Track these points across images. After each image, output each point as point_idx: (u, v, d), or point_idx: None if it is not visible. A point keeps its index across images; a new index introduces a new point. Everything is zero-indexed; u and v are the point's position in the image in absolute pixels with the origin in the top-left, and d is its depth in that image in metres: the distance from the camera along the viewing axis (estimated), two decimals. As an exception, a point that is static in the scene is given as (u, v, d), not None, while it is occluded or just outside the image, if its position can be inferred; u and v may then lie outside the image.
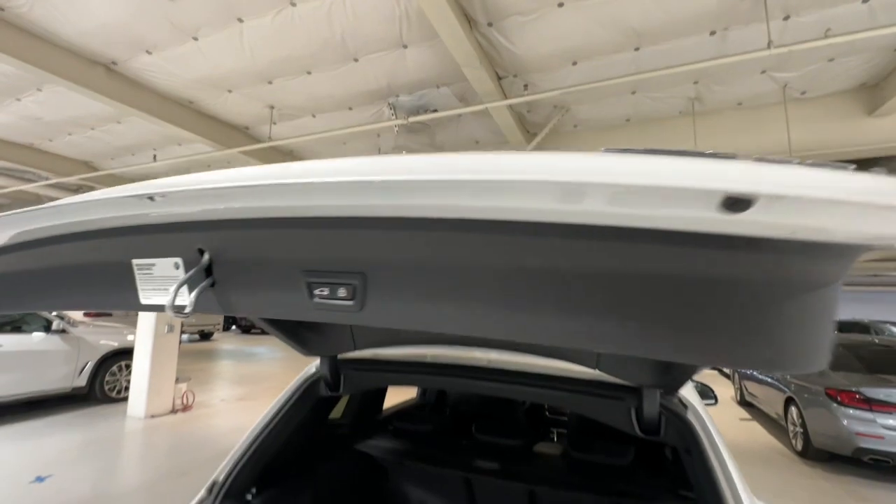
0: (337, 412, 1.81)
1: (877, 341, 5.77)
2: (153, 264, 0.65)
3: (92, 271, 0.68)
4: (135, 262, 0.64)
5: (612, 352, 0.50)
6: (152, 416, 6.07)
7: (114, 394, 6.74)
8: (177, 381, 6.54)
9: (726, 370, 10.81)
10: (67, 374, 6.20)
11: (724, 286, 0.42)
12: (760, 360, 0.45)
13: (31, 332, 5.91)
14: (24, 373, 5.71)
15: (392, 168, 0.43)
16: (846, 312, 19.24)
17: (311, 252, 0.54)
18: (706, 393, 3.24)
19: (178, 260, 0.61)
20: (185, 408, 6.47)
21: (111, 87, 3.45)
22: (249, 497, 1.25)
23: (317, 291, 0.54)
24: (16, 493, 3.68)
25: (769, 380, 6.29)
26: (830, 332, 0.46)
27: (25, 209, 0.65)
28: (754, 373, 6.98)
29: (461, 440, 1.78)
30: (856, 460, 4.66)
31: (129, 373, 6.80)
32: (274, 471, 1.32)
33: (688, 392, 1.17)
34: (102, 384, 6.62)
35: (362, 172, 0.44)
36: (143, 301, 0.67)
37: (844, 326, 11.44)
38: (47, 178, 5.86)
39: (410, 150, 3.96)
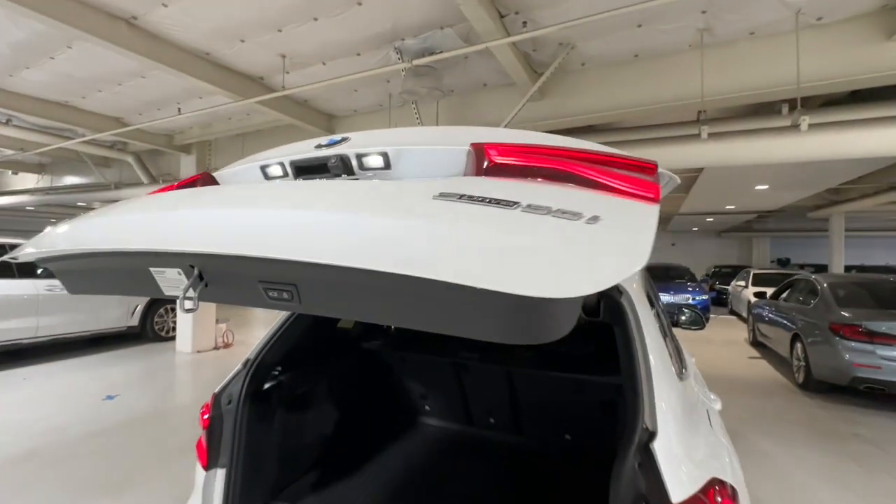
0: (346, 323, 2.13)
1: (892, 279, 5.73)
2: (163, 271, 0.91)
3: (133, 272, 0.96)
4: (151, 269, 0.91)
5: (439, 332, 0.73)
6: (198, 352, 6.79)
7: (163, 333, 7.50)
8: (217, 321, 7.20)
9: (743, 314, 10.88)
10: (121, 315, 6.92)
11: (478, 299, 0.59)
12: (518, 334, 0.65)
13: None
14: (85, 313, 6.42)
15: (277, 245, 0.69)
16: (878, 258, 18.57)
17: (260, 273, 0.78)
18: (696, 320, 3.43)
19: (179, 269, 0.87)
20: (226, 345, 7.17)
21: (133, 41, 3.64)
22: (276, 373, 1.58)
23: (270, 293, 0.81)
24: (93, 407, 4.34)
25: (779, 319, 6.39)
26: (562, 314, 0.65)
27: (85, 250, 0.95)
28: (767, 314, 7.06)
29: (449, 338, 2.09)
30: (852, 391, 4.85)
31: (175, 315, 7.51)
32: (294, 356, 1.64)
33: (637, 287, 1.38)
34: (153, 324, 7.37)
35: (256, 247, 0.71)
36: (165, 292, 0.95)
37: (873, 269, 11.20)
38: (83, 135, 6.25)
39: (417, 95, 4.03)
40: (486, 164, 0.91)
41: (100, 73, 4.61)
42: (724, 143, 3.44)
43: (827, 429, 4.06)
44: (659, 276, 12.43)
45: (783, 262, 18.15)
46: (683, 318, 3.46)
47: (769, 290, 7.65)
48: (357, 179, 1.01)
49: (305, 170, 1.10)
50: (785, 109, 3.67)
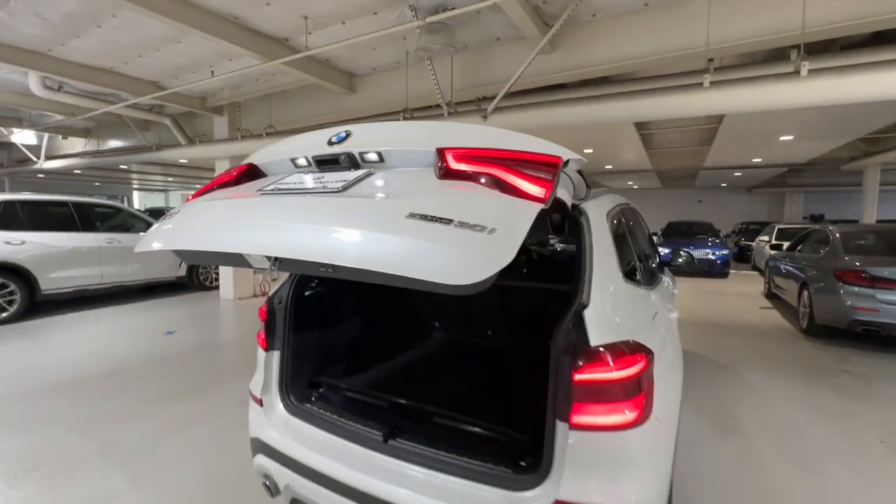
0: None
1: (906, 227, 5.73)
2: (252, 256, 1.32)
3: (232, 256, 1.40)
4: (245, 256, 1.33)
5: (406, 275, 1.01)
6: (239, 299, 7.52)
7: (207, 283, 8.27)
8: (255, 272, 7.88)
9: (760, 266, 10.88)
10: (171, 266, 7.67)
11: None
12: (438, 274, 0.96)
13: (137, 231, 7.28)
14: (141, 264, 7.17)
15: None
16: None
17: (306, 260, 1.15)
18: (689, 262, 3.69)
19: (263, 256, 1.26)
20: (264, 293, 7.88)
21: (170, 7, 3.97)
22: (313, 285, 2.02)
23: (319, 269, 1.20)
24: (156, 340, 5.05)
25: (791, 270, 6.50)
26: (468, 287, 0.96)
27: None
28: (781, 266, 7.15)
29: None
30: (851, 336, 5.06)
31: (217, 267, 8.24)
32: (328, 279, 2.07)
33: (599, 212, 1.70)
34: (198, 275, 8.13)
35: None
36: (255, 267, 1.38)
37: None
38: (125, 100, 6.73)
39: (431, 51, 4.23)
40: (443, 167, 1.25)
41: (140, 39, 4.99)
42: (726, 90, 3.55)
43: (818, 365, 4.33)
44: (681, 231, 12.49)
45: (816, 219, 17.55)
46: (680, 260, 3.74)
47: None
48: (355, 198, 1.29)
49: (324, 162, 1.47)
50: (794, 55, 3.70)
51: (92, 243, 6.62)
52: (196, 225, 1.42)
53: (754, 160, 11.76)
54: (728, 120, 7.03)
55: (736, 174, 15.16)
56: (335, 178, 1.37)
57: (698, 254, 10.95)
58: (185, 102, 7.13)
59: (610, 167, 13.54)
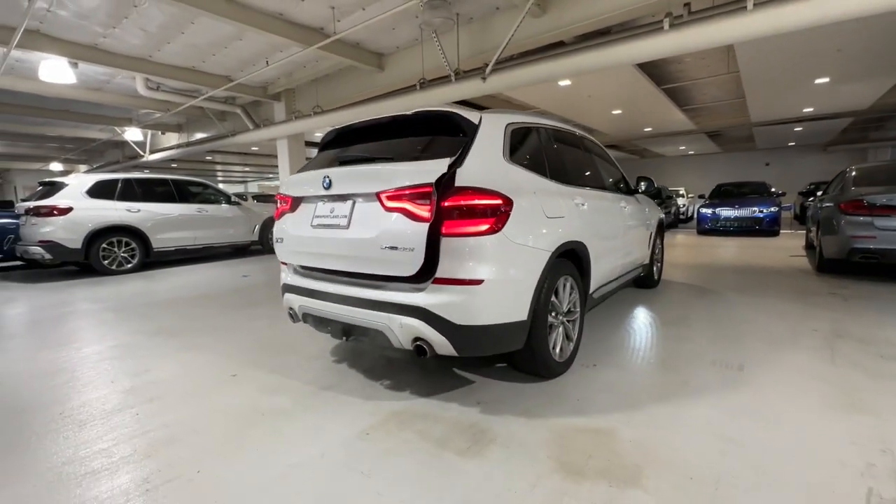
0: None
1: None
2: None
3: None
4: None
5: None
6: (300, 257, 8.91)
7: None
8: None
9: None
10: (247, 232, 9.24)
11: None
12: None
13: (219, 203, 8.88)
14: (225, 229, 8.78)
15: None
16: None
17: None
18: (648, 188, 4.15)
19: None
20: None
21: (231, 11, 5.12)
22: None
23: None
24: (234, 280, 6.45)
25: (815, 213, 6.48)
26: None
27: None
28: (814, 213, 7.05)
29: None
30: (859, 270, 5.14)
31: (282, 232, 9.69)
32: None
33: (497, 122, 2.45)
34: (268, 240, 9.67)
35: None
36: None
37: None
38: (205, 93, 8.24)
39: (433, 25, 4.97)
40: (382, 203, 2.10)
41: (212, 39, 6.29)
42: (684, 29, 3.96)
43: (809, 290, 4.55)
44: (729, 193, 12.18)
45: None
46: (643, 185, 4.18)
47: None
48: (346, 229, 2.27)
49: (328, 197, 2.36)
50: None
51: (187, 212, 8.28)
52: (303, 251, 2.49)
53: (805, 110, 11.07)
54: (744, 66, 6.99)
55: (797, 129, 14.13)
56: (342, 211, 2.28)
57: (743, 213, 10.80)
58: (250, 92, 8.52)
59: (650, 129, 13.35)
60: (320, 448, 1.85)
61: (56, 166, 20.47)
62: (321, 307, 2.40)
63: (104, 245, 7.11)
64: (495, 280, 2.00)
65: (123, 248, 7.42)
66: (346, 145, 2.64)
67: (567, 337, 2.60)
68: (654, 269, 4.77)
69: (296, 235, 2.51)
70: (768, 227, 10.55)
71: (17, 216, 7.18)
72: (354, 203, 2.24)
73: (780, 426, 1.91)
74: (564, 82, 7.65)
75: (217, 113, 10.34)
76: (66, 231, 6.61)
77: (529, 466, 1.68)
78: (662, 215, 4.94)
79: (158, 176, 8.47)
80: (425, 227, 1.97)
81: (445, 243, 1.99)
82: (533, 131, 2.71)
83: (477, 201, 1.99)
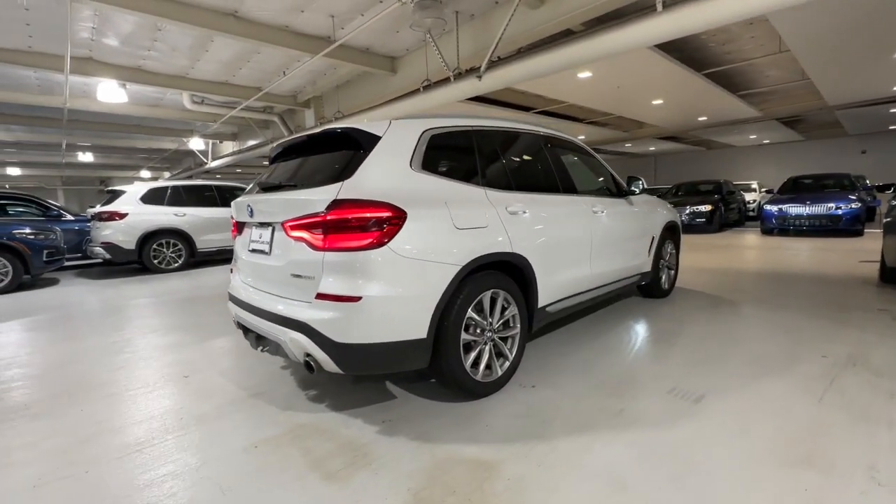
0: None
1: None
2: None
3: None
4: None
5: None
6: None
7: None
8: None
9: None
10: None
11: None
12: None
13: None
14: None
15: None
16: None
17: None
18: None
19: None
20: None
21: (240, 28, 5.41)
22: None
23: None
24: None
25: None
26: None
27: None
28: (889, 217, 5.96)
29: None
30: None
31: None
32: None
33: (406, 131, 2.33)
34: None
35: None
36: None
37: None
38: (240, 104, 8.82)
39: (424, 26, 4.88)
40: (285, 231, 2.09)
41: (234, 55, 6.71)
42: (676, 10, 3.56)
43: (855, 305, 3.83)
44: (804, 186, 10.78)
45: None
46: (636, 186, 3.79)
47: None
48: (269, 255, 2.28)
49: (256, 224, 2.39)
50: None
51: (228, 215, 8.94)
52: (245, 272, 2.55)
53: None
54: (792, 43, 6.07)
55: (892, 110, 12.09)
56: (265, 238, 2.30)
57: (817, 210, 9.47)
58: (282, 101, 8.99)
59: (704, 119, 12.13)
60: (203, 458, 1.88)
61: (145, 174, 23.18)
62: (244, 316, 2.45)
63: (155, 246, 7.87)
64: (378, 297, 1.90)
65: (171, 249, 8.16)
66: (287, 158, 2.65)
67: (499, 355, 2.43)
68: (663, 276, 4.32)
69: (241, 257, 2.59)
70: (848, 227, 9.14)
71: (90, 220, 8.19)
72: (273, 230, 2.26)
73: (694, 478, 1.62)
74: (584, 74, 7.17)
75: (259, 122, 11.05)
76: (123, 234, 7.40)
77: (382, 499, 1.58)
78: (676, 217, 4.46)
79: (203, 183, 9.21)
80: (322, 255, 1.95)
81: (328, 258, 1.93)
82: (462, 136, 2.50)
83: (358, 215, 1.91)
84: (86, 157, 16.59)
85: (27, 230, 6.11)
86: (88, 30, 5.62)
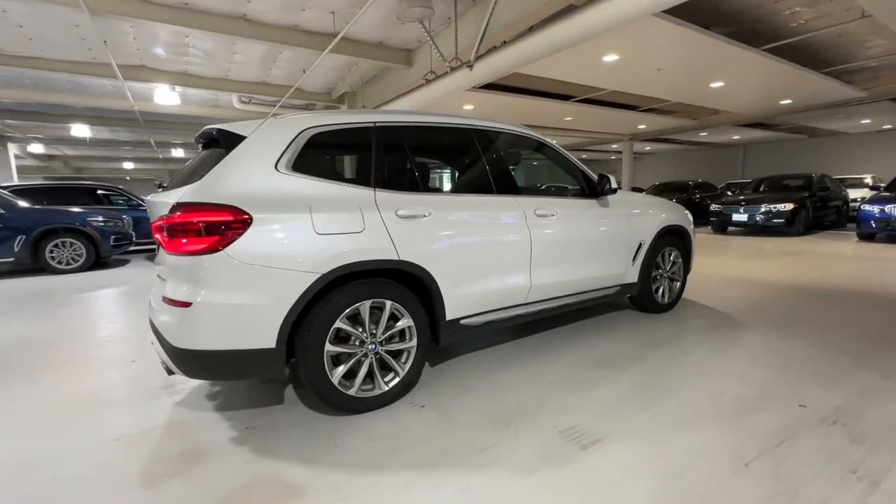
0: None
1: None
2: None
3: None
4: None
5: None
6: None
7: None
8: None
9: None
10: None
11: None
12: None
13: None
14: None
15: None
16: None
17: None
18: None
19: None
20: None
21: (253, 31, 5.66)
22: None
23: None
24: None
25: None
26: None
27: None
28: None
29: None
30: None
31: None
32: None
33: (273, 133, 2.22)
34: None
35: None
36: None
37: None
38: (278, 102, 9.32)
39: (410, 16, 4.66)
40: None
41: (258, 56, 7.06)
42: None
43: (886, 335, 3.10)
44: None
45: None
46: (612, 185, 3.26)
47: None
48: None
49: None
50: None
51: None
52: None
53: None
54: (869, 4, 4.83)
55: None
56: None
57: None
58: (318, 98, 9.34)
59: (788, 102, 10.35)
60: (72, 446, 1.97)
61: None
62: None
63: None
64: (209, 304, 1.84)
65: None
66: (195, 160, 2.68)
67: (385, 368, 2.26)
68: (661, 288, 3.76)
69: None
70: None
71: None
72: None
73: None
74: (610, 57, 6.41)
75: (307, 118, 11.61)
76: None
77: None
78: (681, 221, 3.84)
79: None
80: (167, 258, 1.98)
81: (169, 262, 1.92)
82: (357, 133, 2.31)
83: (194, 219, 1.85)
84: (178, 152, 18.78)
85: (99, 217, 6.98)
86: (130, 40, 6.25)
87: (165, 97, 8.07)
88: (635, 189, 19.71)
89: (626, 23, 3.39)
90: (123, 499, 1.60)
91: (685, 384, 2.41)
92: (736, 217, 10.03)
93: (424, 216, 2.33)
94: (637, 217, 3.47)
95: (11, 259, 6.05)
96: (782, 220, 9.40)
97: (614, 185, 3.19)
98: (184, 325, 1.85)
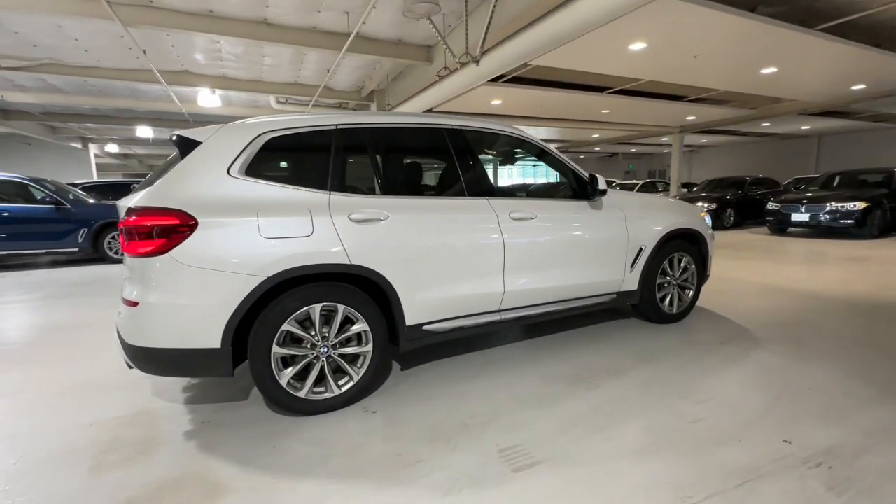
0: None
1: None
2: None
3: None
4: None
5: None
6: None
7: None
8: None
9: None
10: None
11: None
12: None
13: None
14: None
15: None
16: None
17: None
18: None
19: None
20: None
21: (275, 34, 5.85)
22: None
23: None
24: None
25: None
26: None
27: None
28: None
29: None
30: None
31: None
32: None
33: (227, 137, 2.25)
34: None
35: None
36: None
37: None
38: (309, 101, 9.61)
39: (419, 13, 4.60)
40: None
41: (287, 59, 7.32)
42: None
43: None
44: None
45: None
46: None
47: None
48: None
49: None
50: None
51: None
52: None
53: None
54: None
55: None
56: None
57: None
58: (348, 96, 9.55)
59: (861, 87, 9.14)
60: (51, 427, 2.15)
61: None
62: None
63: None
64: (154, 304, 1.93)
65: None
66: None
67: (340, 372, 2.26)
68: (668, 297, 3.48)
69: None
70: None
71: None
72: None
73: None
74: (637, 46, 5.93)
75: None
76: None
77: (98, 501, 1.62)
78: (693, 224, 3.52)
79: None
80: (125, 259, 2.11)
81: (126, 262, 2.03)
82: (316, 136, 2.30)
83: (144, 222, 1.93)
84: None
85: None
86: (170, 48, 6.70)
87: (207, 100, 8.60)
88: (685, 186, 18.42)
89: (626, 12, 3.14)
90: (66, 483, 1.70)
91: (661, 406, 2.21)
92: (796, 217, 9.06)
93: (380, 220, 2.29)
94: (637, 220, 3.22)
95: (76, 249, 6.72)
96: (851, 221, 8.39)
97: (602, 185, 2.97)
98: (133, 324, 1.96)
